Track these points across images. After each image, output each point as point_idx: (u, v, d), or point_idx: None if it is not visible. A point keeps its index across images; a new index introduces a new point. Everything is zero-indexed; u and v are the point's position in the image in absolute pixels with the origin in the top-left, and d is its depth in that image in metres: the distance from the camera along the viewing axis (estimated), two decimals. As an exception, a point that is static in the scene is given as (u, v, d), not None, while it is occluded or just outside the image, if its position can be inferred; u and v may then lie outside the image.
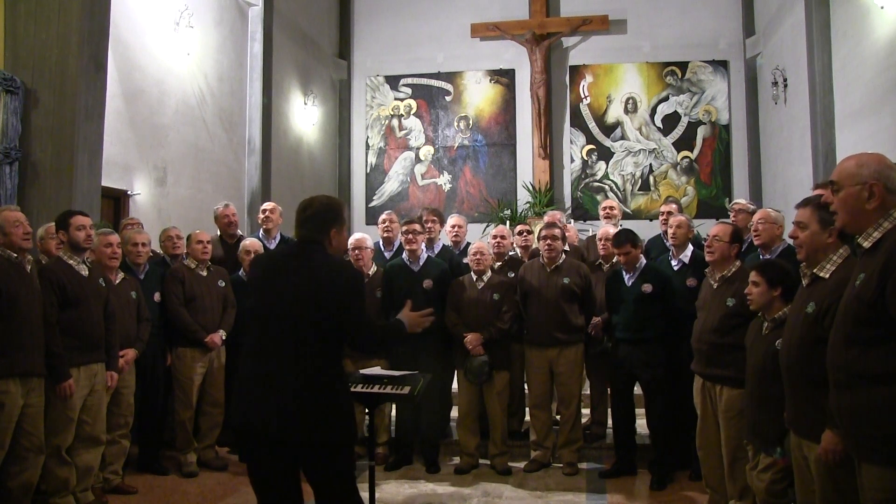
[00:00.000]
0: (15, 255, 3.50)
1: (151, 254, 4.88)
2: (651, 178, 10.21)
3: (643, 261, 4.50)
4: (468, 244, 5.14)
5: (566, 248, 5.19)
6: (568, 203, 10.27)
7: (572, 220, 9.23)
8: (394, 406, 5.02)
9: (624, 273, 4.50)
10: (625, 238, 4.47)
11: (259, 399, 2.48)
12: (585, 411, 5.43)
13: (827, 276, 2.48)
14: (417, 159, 10.80)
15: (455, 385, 4.94)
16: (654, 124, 10.24)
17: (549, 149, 10.26)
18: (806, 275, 2.60)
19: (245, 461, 2.63)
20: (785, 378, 2.61)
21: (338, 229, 2.68)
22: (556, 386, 4.74)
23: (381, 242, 5.43)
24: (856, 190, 2.08)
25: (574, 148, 10.39)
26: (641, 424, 4.68)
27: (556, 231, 4.77)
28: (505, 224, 8.09)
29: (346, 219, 2.77)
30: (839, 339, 2.09)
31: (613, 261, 4.97)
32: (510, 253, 5.31)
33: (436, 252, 5.29)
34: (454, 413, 5.08)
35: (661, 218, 5.56)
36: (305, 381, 2.47)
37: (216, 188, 7.63)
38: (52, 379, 3.62)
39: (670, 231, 4.59)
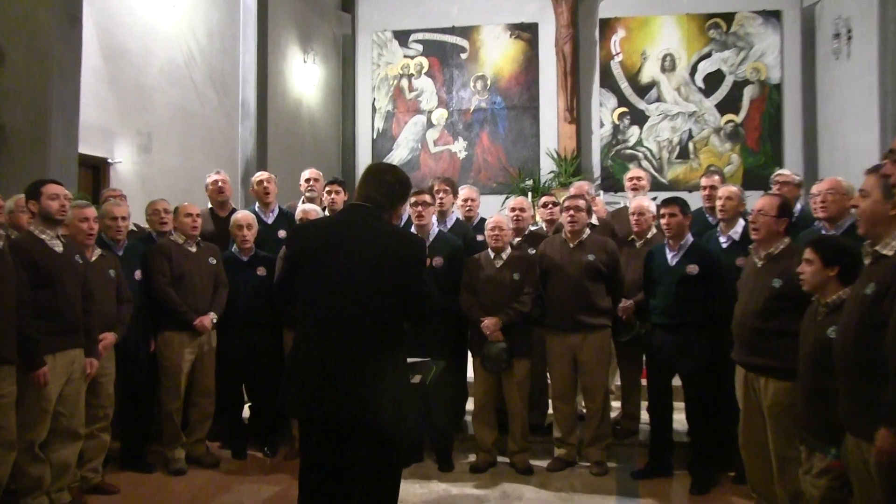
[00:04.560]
0: (-19, 230, 3.47)
1: (135, 229, 4.85)
2: (690, 145, 10.18)
3: (689, 238, 4.41)
4: (482, 219, 5.07)
5: (594, 222, 5.11)
6: (597, 172, 10.28)
7: (601, 192, 9.19)
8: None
9: (667, 250, 4.41)
10: (674, 200, 4.45)
11: (338, 380, 2.59)
12: (616, 404, 5.38)
13: (891, 253, 2.45)
14: (429, 124, 10.82)
15: (470, 374, 4.92)
16: (695, 84, 10.18)
17: (576, 112, 10.25)
18: (868, 253, 2.58)
19: (305, 451, 2.74)
20: (839, 368, 2.59)
21: (400, 209, 2.86)
22: (581, 376, 4.70)
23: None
24: None
25: (604, 111, 10.37)
26: (679, 419, 4.62)
27: (581, 202, 4.70)
28: (526, 196, 8.00)
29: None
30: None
31: (648, 236, 4.89)
32: (532, 227, 5.23)
33: (448, 226, 5.22)
34: (469, 405, 5.07)
35: (702, 192, 5.44)
36: (382, 359, 2.63)
37: (207, 156, 7.65)
38: (25, 366, 3.59)
39: (719, 203, 4.52)
